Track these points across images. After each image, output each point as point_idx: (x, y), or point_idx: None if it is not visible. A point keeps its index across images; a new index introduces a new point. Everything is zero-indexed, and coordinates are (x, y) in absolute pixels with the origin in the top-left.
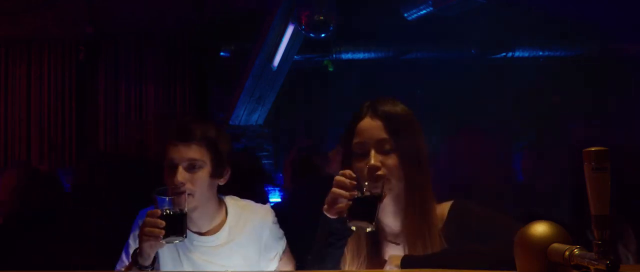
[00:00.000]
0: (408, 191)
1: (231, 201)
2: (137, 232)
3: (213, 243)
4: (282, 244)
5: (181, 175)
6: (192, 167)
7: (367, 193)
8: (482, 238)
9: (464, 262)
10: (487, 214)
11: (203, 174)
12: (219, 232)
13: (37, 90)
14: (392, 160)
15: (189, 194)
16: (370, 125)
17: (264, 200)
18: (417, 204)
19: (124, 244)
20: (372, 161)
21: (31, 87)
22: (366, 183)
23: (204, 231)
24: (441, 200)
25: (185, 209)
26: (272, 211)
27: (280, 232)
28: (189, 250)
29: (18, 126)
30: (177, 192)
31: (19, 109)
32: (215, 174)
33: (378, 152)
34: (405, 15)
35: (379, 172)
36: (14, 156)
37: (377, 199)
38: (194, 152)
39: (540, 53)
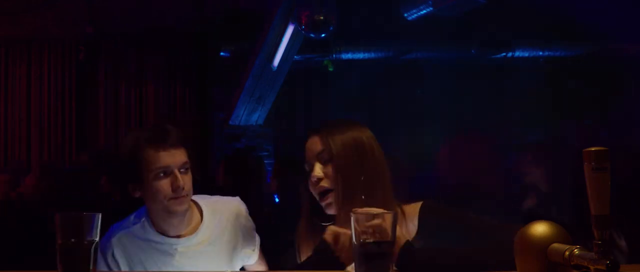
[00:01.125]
0: (351, 201)
1: (201, 200)
2: (109, 254)
3: (194, 242)
4: (257, 236)
5: (181, 180)
6: (184, 170)
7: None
8: (455, 238)
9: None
10: (458, 213)
11: (190, 175)
12: (197, 231)
13: (37, 90)
14: (330, 169)
15: (183, 197)
16: (311, 142)
17: (263, 202)
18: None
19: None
20: (314, 173)
21: (31, 87)
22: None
23: (183, 233)
24: (443, 201)
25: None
26: (243, 202)
27: (253, 224)
28: (173, 256)
29: (18, 126)
30: (178, 196)
31: (19, 109)
32: (195, 174)
33: (319, 162)
34: (405, 15)
35: (321, 183)
36: (14, 156)
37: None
38: (183, 155)
39: (540, 53)
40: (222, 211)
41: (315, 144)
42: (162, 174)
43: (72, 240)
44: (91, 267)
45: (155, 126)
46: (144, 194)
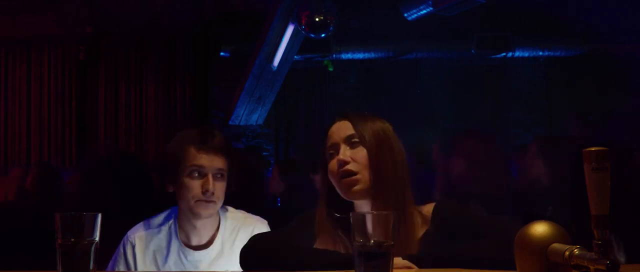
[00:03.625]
0: (381, 190)
1: (227, 212)
2: (121, 253)
3: (207, 256)
4: None
5: (211, 183)
6: (219, 176)
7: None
8: (470, 236)
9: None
10: (472, 212)
11: (224, 184)
12: (212, 245)
13: (37, 90)
14: (361, 153)
15: (212, 202)
16: (339, 127)
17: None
18: (391, 203)
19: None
20: (340, 155)
21: (31, 87)
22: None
23: (204, 242)
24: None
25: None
26: (266, 223)
27: None
28: (185, 266)
29: (18, 126)
30: (206, 200)
31: (19, 109)
32: (229, 186)
33: (347, 146)
34: (405, 15)
35: (347, 167)
36: (14, 156)
37: None
38: (221, 161)
39: (540, 53)
40: (241, 227)
41: (344, 127)
42: (196, 174)
43: (72, 240)
44: (91, 267)
45: (203, 128)
46: (177, 191)
